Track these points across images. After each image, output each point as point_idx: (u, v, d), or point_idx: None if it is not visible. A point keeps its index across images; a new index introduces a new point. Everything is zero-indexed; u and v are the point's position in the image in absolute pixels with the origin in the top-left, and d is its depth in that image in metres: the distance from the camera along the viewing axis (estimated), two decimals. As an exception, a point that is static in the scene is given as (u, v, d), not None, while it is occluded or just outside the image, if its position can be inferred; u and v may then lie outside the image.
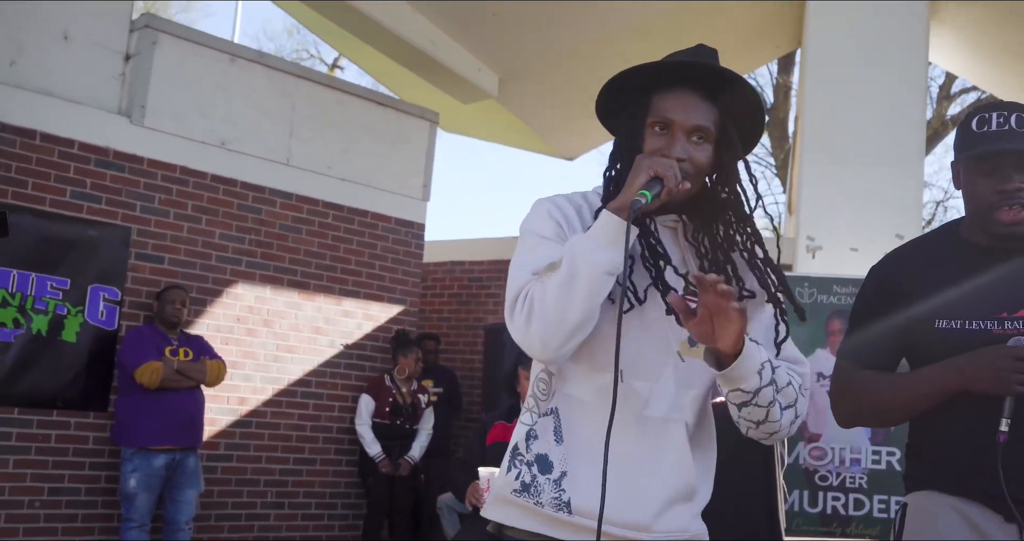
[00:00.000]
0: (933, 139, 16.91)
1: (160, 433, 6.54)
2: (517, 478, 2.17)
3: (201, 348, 6.95)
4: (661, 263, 2.15)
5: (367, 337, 8.45)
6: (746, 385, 2.08)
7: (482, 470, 4.99)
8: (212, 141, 7.59)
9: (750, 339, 2.06)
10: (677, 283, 2.16)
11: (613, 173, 2.21)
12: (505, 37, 10.03)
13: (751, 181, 2.23)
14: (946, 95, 18.43)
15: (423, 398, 8.30)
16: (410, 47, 9.53)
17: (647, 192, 2.02)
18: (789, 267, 8.84)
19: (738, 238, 2.20)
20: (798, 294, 8.29)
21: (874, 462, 8.07)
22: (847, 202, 8.61)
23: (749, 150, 2.28)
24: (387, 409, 8.01)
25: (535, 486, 2.14)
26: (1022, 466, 2.41)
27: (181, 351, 6.79)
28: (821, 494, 8.08)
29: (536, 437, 2.18)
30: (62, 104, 6.83)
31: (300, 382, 7.98)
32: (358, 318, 8.40)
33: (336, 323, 8.24)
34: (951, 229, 2.74)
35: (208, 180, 7.53)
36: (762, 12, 10.39)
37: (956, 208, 24.76)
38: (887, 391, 2.63)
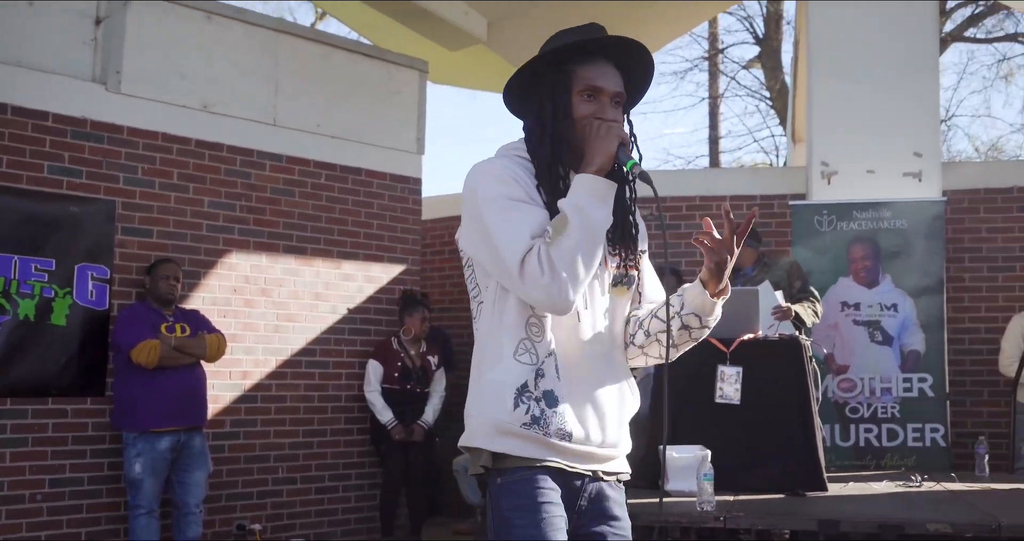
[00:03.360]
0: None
1: (162, 414, 6.27)
2: (527, 413, 2.38)
3: (198, 322, 6.65)
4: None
5: (370, 300, 8.15)
6: (712, 319, 2.50)
7: None
8: (193, 104, 7.23)
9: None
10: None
11: (547, 138, 2.43)
12: (490, -25, 9.62)
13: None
14: (941, 11, 17.95)
15: (432, 360, 8.00)
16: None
17: (632, 159, 2.32)
18: (803, 196, 8.53)
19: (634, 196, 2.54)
20: (816, 222, 7.99)
21: (905, 390, 7.84)
22: (860, 123, 8.26)
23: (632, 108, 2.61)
24: (396, 374, 7.73)
25: (544, 419, 2.38)
26: None
27: (178, 327, 6.49)
28: (853, 427, 7.85)
29: (543, 375, 2.40)
30: (32, 74, 6.48)
31: (304, 351, 7.69)
32: (359, 281, 8.08)
33: (336, 288, 7.93)
34: None
35: (192, 146, 7.19)
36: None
37: (959, 126, 24.38)
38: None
